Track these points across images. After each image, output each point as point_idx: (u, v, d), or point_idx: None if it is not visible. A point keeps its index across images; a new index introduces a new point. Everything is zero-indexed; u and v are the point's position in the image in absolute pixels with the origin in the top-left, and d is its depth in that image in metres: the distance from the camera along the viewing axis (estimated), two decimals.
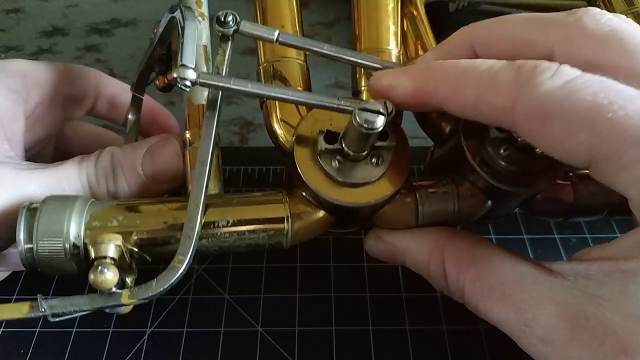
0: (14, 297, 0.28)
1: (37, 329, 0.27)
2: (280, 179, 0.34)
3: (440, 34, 0.31)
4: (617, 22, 0.19)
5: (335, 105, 0.21)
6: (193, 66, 0.21)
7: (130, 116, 0.32)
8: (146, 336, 0.27)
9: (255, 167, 0.36)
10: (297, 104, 0.24)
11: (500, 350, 0.20)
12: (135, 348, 0.26)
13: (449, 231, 0.24)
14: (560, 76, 0.18)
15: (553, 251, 0.31)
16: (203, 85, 0.21)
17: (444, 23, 0.40)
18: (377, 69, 0.24)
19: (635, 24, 0.20)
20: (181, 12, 0.23)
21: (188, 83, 0.21)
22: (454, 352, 0.26)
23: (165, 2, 0.25)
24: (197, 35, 0.22)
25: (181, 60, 0.21)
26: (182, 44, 0.21)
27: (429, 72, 0.21)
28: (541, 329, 0.18)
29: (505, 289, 0.20)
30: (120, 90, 0.33)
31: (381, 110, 0.20)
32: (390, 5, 0.27)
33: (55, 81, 0.29)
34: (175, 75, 0.21)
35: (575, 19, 0.20)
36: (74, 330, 0.27)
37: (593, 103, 0.17)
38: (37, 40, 0.48)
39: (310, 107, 0.23)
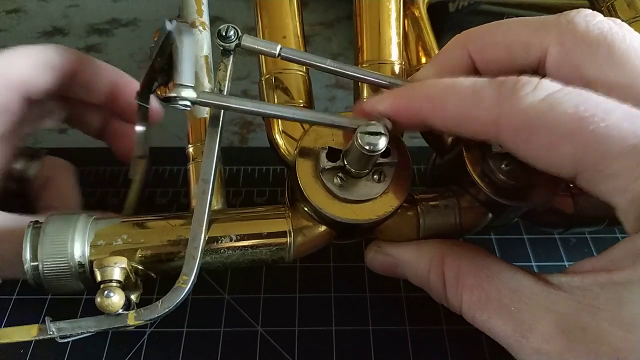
0: (14, 296, 0.28)
1: None
2: (280, 179, 0.35)
3: (440, 34, 0.32)
4: (608, 25, 0.20)
5: (338, 123, 0.22)
6: (192, 84, 0.20)
7: (137, 128, 0.32)
8: (146, 336, 0.27)
9: (255, 167, 0.36)
10: (299, 122, 0.24)
11: (500, 350, 0.20)
12: (135, 348, 0.26)
13: (450, 241, 0.24)
14: (542, 90, 0.18)
15: (553, 251, 0.31)
16: (203, 104, 0.21)
17: (444, 23, 0.40)
18: (379, 84, 0.24)
19: (627, 27, 0.20)
20: (178, 28, 0.23)
21: (187, 103, 0.20)
22: (454, 352, 0.26)
23: (166, 2, 0.25)
24: (196, 48, 0.22)
25: (179, 80, 0.20)
26: (180, 62, 0.21)
27: (412, 91, 0.21)
28: (537, 340, 0.18)
29: (502, 298, 0.20)
30: (116, 84, 0.31)
31: (382, 131, 0.20)
32: (393, 16, 0.26)
33: (45, 81, 0.28)
34: (173, 95, 0.20)
35: (567, 20, 0.20)
36: None
37: (575, 115, 0.17)
38: (37, 40, 0.48)
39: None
